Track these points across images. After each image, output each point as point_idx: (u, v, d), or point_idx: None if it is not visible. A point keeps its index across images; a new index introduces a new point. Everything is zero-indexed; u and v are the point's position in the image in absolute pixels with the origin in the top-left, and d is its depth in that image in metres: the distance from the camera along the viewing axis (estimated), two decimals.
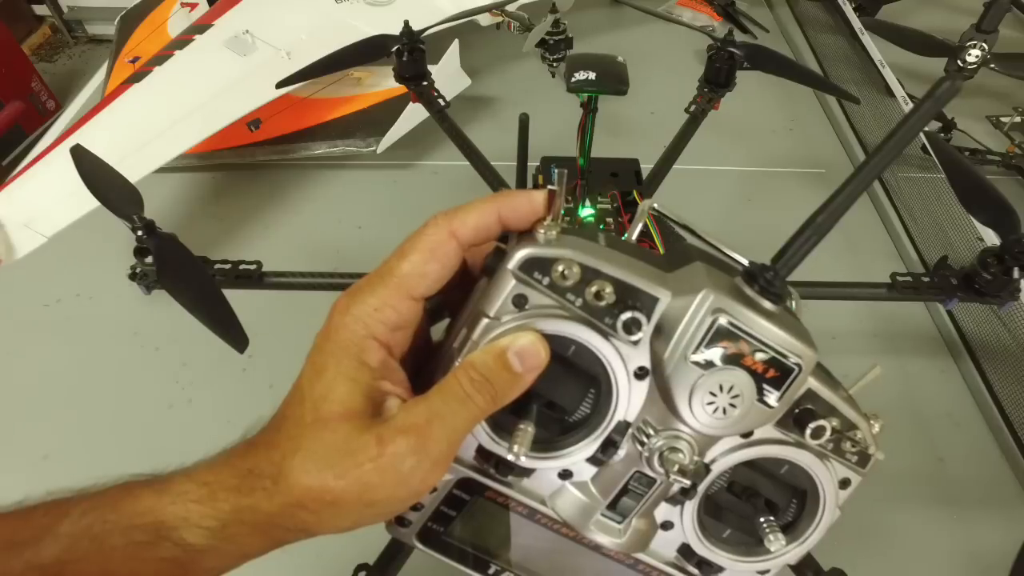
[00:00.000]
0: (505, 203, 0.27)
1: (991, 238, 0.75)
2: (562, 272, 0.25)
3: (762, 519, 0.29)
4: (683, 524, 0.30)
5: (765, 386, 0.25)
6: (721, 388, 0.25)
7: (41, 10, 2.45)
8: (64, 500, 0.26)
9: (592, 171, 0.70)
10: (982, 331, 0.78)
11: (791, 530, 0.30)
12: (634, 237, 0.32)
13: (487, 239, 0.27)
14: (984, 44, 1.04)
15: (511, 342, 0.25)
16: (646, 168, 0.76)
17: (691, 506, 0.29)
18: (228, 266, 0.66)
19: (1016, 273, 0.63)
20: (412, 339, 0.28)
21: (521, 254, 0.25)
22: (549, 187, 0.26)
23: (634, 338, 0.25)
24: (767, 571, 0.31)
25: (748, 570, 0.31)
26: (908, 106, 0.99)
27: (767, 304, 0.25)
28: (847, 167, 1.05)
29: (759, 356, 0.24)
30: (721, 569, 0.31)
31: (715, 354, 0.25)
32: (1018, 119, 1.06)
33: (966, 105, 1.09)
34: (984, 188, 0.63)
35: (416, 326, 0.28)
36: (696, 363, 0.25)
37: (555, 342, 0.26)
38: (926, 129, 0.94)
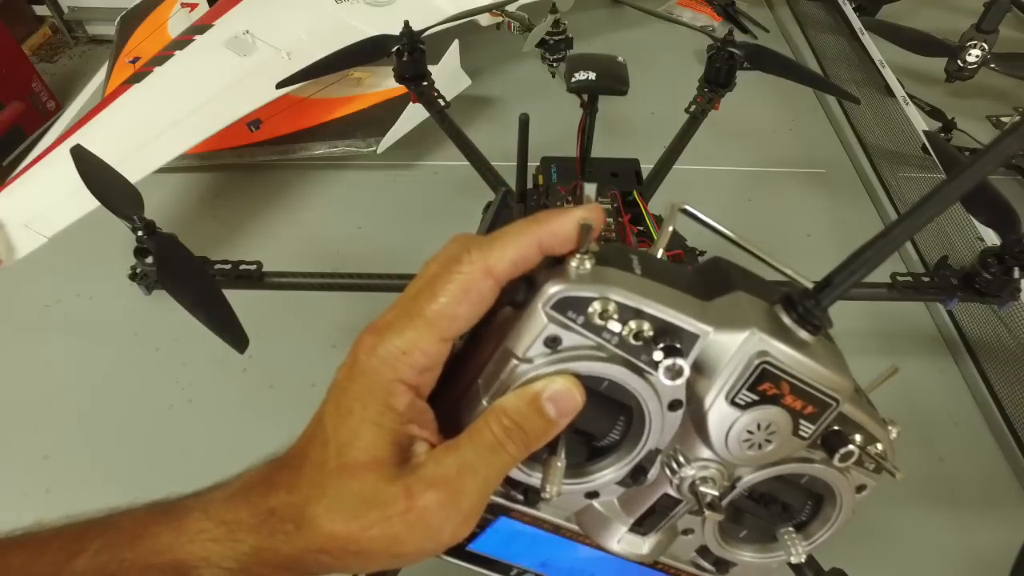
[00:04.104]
0: (545, 230, 0.24)
1: (991, 238, 0.75)
2: (599, 312, 0.23)
3: (782, 529, 0.29)
4: (704, 531, 0.30)
5: (802, 421, 0.25)
6: (758, 426, 0.24)
7: (41, 10, 2.46)
8: (79, 532, 0.25)
9: (592, 171, 0.70)
10: (982, 331, 0.78)
11: (803, 528, 0.30)
12: (663, 246, 0.30)
13: (525, 271, 0.25)
14: (984, 44, 1.04)
15: (545, 386, 0.24)
16: (646, 168, 0.75)
17: (715, 517, 0.29)
18: (228, 266, 0.66)
19: (1016, 273, 0.63)
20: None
21: (554, 292, 0.23)
22: (589, 203, 0.24)
23: (674, 383, 0.24)
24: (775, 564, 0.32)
25: (761, 565, 0.31)
26: (908, 106, 0.99)
27: (804, 334, 0.24)
28: (847, 167, 1.05)
29: (799, 395, 0.24)
30: (735, 564, 0.31)
31: (755, 396, 0.24)
32: (1018, 119, 1.06)
33: (966, 105, 1.09)
34: (984, 188, 0.63)
35: (445, 361, 0.26)
36: (736, 404, 0.24)
37: (588, 379, 0.25)
38: (925, 129, 0.94)
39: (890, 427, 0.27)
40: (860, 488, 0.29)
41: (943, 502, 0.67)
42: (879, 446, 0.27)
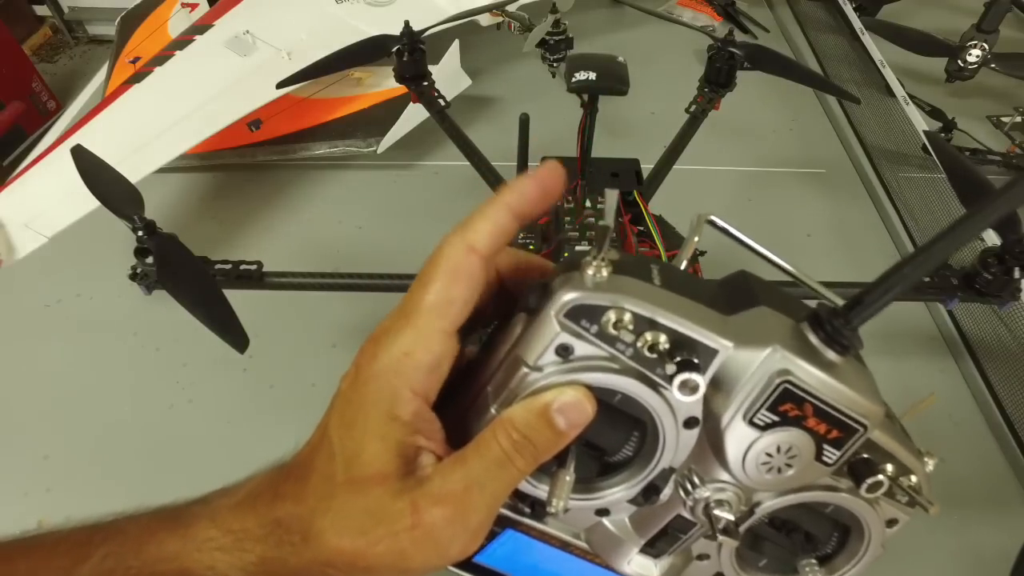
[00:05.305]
0: (513, 197, 0.24)
1: (991, 238, 0.75)
2: (613, 321, 0.22)
3: (804, 561, 0.28)
4: (721, 558, 0.29)
5: (825, 446, 0.23)
6: (778, 449, 0.23)
7: (42, 10, 2.46)
8: (84, 538, 0.25)
9: (592, 171, 0.70)
10: (982, 331, 0.78)
11: (827, 561, 0.29)
12: (687, 258, 0.29)
13: (508, 242, 0.25)
14: (984, 44, 1.04)
15: (554, 397, 0.23)
16: (646, 168, 0.75)
17: (730, 543, 0.28)
18: (228, 266, 0.66)
19: (1017, 273, 0.63)
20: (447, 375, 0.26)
21: (567, 299, 0.22)
22: (602, 223, 0.24)
23: (689, 399, 0.23)
24: None
25: None
26: (908, 106, 0.99)
27: (831, 355, 0.23)
28: (847, 167, 1.05)
29: (823, 418, 0.23)
30: None
31: (776, 416, 0.23)
32: (1019, 119, 1.06)
33: (966, 105, 1.09)
34: (985, 188, 0.63)
35: (452, 362, 0.26)
36: (755, 424, 0.23)
37: (600, 390, 0.24)
38: (925, 128, 0.94)
39: (926, 458, 0.26)
40: (891, 522, 0.27)
41: (943, 502, 0.66)
42: (913, 478, 0.26)
